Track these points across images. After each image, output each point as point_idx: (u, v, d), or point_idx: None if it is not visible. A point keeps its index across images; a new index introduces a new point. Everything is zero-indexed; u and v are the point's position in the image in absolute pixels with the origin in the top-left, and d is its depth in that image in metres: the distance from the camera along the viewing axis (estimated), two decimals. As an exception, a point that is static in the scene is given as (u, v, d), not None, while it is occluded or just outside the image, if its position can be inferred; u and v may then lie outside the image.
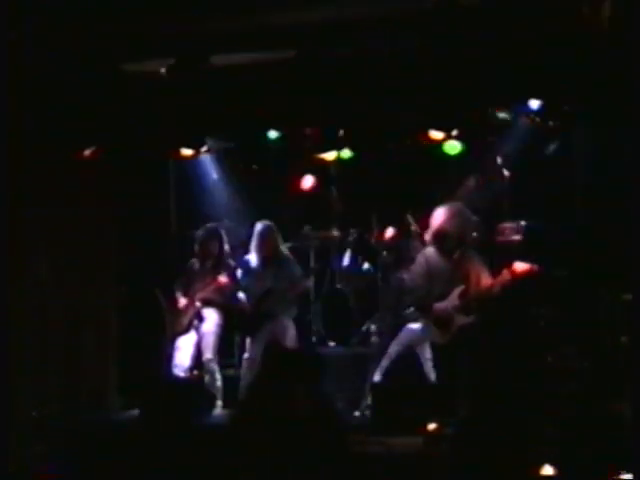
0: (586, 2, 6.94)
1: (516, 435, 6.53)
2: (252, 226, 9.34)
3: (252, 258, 9.24)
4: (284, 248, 9.25)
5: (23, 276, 8.07)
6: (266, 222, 9.19)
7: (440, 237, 8.09)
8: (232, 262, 9.36)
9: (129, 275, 9.63)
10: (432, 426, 7.04)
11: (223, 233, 9.37)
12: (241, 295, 9.20)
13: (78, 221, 8.83)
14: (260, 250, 9.15)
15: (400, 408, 7.57)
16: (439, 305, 7.92)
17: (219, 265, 9.22)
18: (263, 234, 9.13)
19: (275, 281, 9.02)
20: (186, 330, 9.21)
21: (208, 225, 9.43)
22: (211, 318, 9.23)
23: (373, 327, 9.37)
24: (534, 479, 6.26)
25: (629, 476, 5.92)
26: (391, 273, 9.24)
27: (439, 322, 7.92)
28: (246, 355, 9.08)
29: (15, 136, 7.36)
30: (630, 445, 5.77)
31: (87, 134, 8.39)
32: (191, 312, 9.21)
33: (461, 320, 7.88)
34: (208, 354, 9.14)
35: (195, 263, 9.35)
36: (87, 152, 8.48)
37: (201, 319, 9.20)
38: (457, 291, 7.91)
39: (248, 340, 9.11)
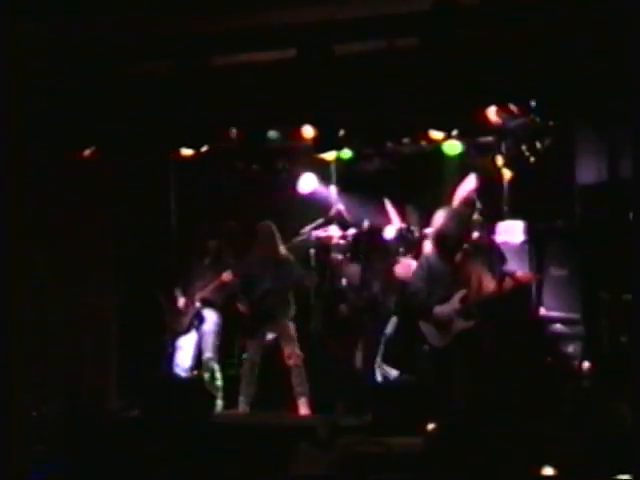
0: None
1: (516, 435, 6.53)
2: (253, 226, 9.35)
3: (251, 258, 9.23)
4: (283, 249, 9.24)
5: (23, 276, 8.07)
6: (266, 222, 9.18)
7: (440, 239, 8.07)
8: (231, 260, 9.35)
9: (129, 275, 9.63)
10: (432, 426, 7.04)
11: (222, 232, 9.38)
12: (240, 295, 9.20)
13: (78, 221, 8.83)
14: (259, 250, 9.15)
15: (400, 408, 7.58)
16: (440, 308, 7.91)
17: (217, 263, 9.23)
18: (262, 235, 9.12)
19: (274, 282, 9.01)
20: (186, 330, 9.21)
21: (207, 223, 9.44)
22: (211, 318, 9.24)
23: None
24: (534, 479, 6.26)
25: (629, 476, 5.93)
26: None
27: (440, 325, 7.92)
28: (246, 355, 9.08)
29: (15, 136, 7.37)
30: (630, 445, 5.78)
31: (87, 134, 8.39)
32: (191, 312, 9.21)
33: (461, 324, 7.88)
34: (208, 353, 9.16)
35: (194, 261, 9.36)
36: (87, 152, 8.47)
37: (201, 319, 9.21)
38: (458, 295, 7.90)
39: (248, 340, 9.12)
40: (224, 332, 9.32)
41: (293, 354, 8.90)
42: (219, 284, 9.14)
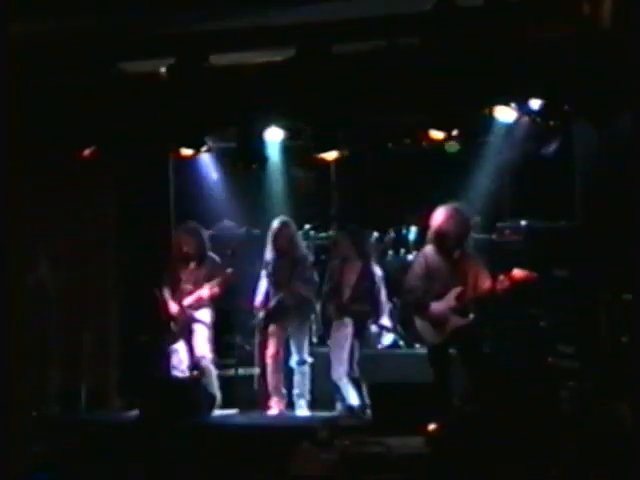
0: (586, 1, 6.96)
1: (515, 435, 6.53)
2: (252, 226, 9.36)
3: (268, 252, 9.19)
4: (303, 246, 9.22)
5: (23, 276, 8.08)
6: (283, 218, 9.15)
7: (439, 237, 8.08)
8: (215, 257, 9.23)
9: (129, 275, 9.62)
10: (432, 426, 7.04)
11: (202, 232, 9.27)
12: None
13: (78, 221, 8.84)
14: (274, 244, 9.11)
15: (400, 408, 7.58)
16: (436, 305, 7.92)
17: (202, 264, 9.13)
18: (277, 229, 9.08)
19: (290, 277, 8.97)
20: (181, 333, 9.19)
21: (181, 226, 9.40)
22: (206, 319, 9.21)
23: (373, 328, 9.38)
24: (534, 479, 6.26)
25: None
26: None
27: (435, 322, 7.93)
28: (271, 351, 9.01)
29: (15, 136, 7.37)
30: (630, 445, 5.78)
31: (87, 134, 8.40)
32: (184, 317, 9.16)
33: (457, 321, 7.89)
34: (202, 353, 9.12)
35: (180, 266, 9.26)
36: (87, 152, 8.48)
37: (195, 321, 9.18)
38: (454, 292, 7.91)
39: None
40: (220, 332, 9.31)
41: (299, 355, 8.90)
42: (210, 294, 9.06)
